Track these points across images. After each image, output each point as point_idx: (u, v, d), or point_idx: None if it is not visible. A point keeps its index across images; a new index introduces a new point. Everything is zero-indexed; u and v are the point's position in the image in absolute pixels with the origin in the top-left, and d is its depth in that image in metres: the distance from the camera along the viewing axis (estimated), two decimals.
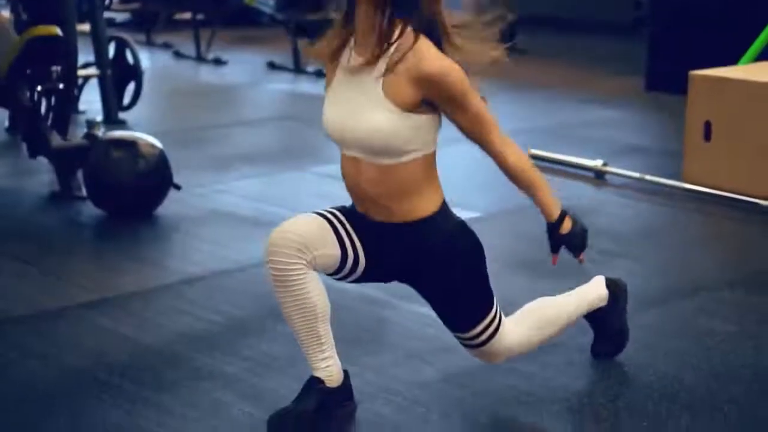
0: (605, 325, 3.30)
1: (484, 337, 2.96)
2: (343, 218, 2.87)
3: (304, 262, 2.77)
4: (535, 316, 3.12)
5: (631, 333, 3.53)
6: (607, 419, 2.97)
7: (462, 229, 2.90)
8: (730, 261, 4.38)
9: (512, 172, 2.86)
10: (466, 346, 3.02)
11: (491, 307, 2.95)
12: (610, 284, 3.31)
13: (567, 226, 2.93)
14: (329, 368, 2.89)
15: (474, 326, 2.94)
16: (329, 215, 2.87)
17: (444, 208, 2.87)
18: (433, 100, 2.73)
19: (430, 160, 2.81)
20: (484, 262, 2.94)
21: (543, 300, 3.19)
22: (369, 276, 2.93)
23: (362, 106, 2.71)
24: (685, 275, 4.15)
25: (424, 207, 2.82)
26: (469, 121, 2.78)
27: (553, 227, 2.92)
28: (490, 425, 2.94)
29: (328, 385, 2.88)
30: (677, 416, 2.98)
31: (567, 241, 2.93)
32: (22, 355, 3.39)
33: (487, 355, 3.04)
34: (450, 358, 3.34)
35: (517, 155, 2.85)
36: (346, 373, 2.95)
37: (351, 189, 2.87)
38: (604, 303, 3.27)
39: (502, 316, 3.01)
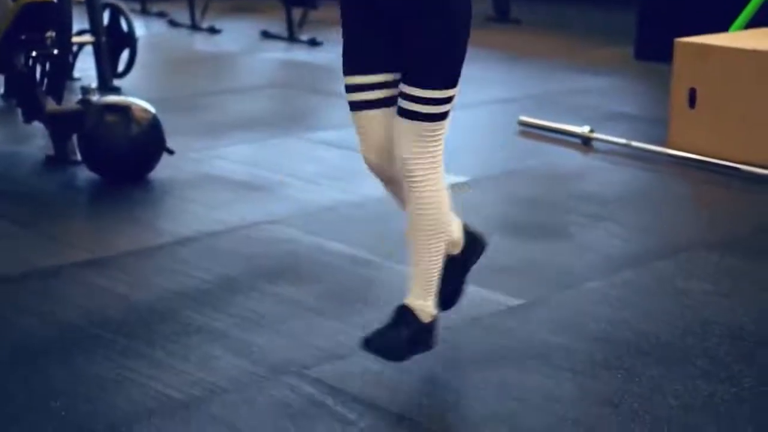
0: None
1: (441, 108, 2.88)
2: (365, 80, 2.91)
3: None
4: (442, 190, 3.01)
5: (610, 291, 3.66)
6: (583, 372, 3.07)
7: None
8: (709, 224, 4.48)
9: None
10: (416, 118, 2.88)
11: (456, 84, 2.92)
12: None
13: None
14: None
15: (441, 87, 2.87)
16: (360, 95, 2.93)
17: None
18: None
19: None
20: (469, 23, 2.91)
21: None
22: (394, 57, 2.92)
23: None
24: (666, 237, 4.25)
25: None
26: None
27: None
28: (469, 377, 3.04)
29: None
30: (651, 369, 3.08)
31: None
32: (18, 312, 3.49)
33: (419, 140, 2.88)
34: None
35: None
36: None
37: None
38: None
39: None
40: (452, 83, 2.92)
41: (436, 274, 2.98)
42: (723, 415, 2.83)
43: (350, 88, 2.97)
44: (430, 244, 2.94)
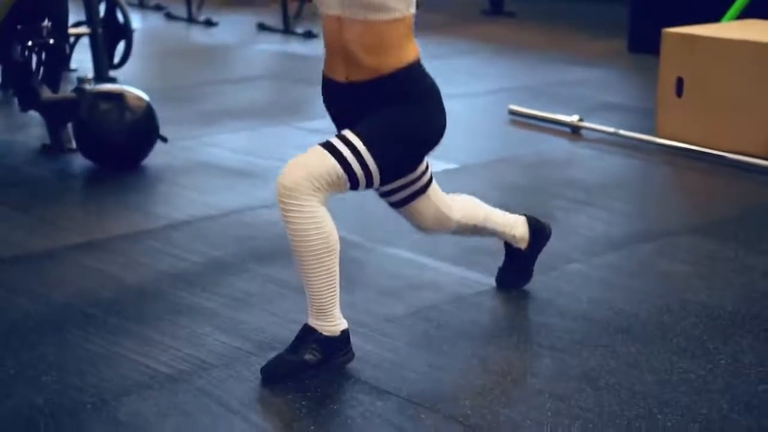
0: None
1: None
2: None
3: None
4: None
5: (592, 272, 3.73)
6: (563, 349, 3.14)
7: (432, 86, 3.02)
8: (692, 210, 4.56)
9: None
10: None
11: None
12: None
13: None
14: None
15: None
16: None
17: (420, 62, 3.01)
18: None
19: (409, 22, 2.96)
20: (432, 123, 3.02)
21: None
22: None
23: None
24: (649, 222, 4.33)
25: (405, 57, 2.96)
26: None
27: None
28: (451, 354, 3.11)
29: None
30: (629, 346, 3.16)
31: None
32: (12, 292, 3.56)
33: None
34: (419, 296, 3.52)
35: None
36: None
37: (334, 49, 3.04)
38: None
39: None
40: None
41: (327, 295, 2.95)
42: (697, 390, 2.91)
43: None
44: (313, 266, 2.92)
